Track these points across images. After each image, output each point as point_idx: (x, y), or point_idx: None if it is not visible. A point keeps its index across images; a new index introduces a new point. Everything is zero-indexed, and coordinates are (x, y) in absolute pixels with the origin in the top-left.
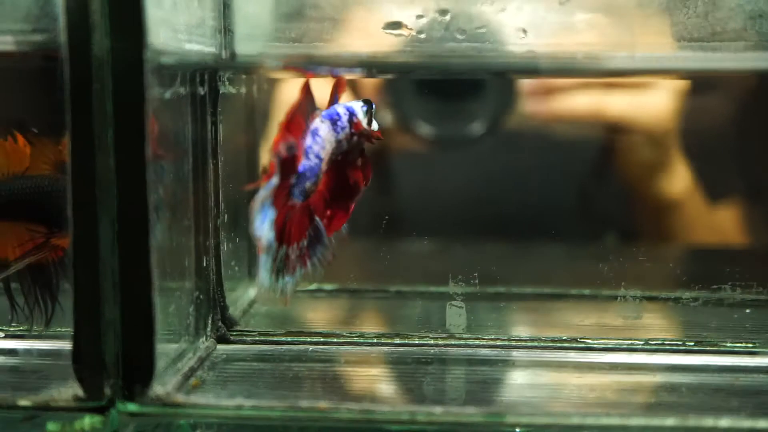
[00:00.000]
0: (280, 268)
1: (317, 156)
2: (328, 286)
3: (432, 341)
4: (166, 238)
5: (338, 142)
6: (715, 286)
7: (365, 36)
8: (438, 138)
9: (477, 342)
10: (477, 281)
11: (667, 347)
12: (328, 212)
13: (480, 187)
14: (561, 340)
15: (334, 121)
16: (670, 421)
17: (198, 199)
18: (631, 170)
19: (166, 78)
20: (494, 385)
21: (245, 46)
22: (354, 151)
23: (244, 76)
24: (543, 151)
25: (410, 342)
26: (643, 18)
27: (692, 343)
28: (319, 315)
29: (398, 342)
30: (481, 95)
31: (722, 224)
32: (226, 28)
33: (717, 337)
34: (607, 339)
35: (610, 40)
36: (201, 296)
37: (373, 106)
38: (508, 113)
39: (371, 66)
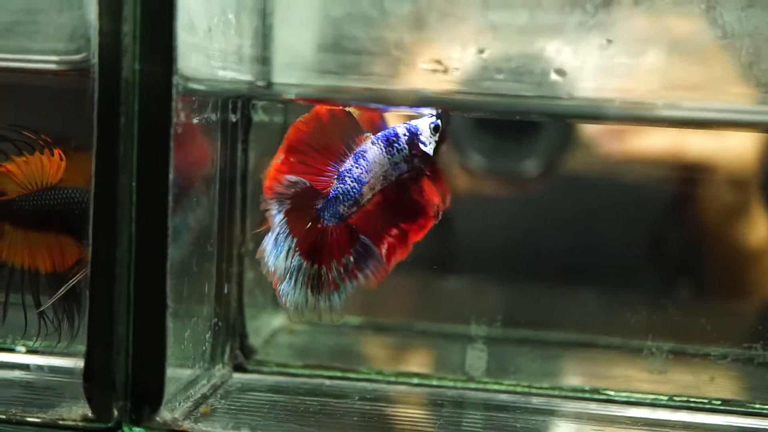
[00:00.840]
0: (315, 286)
1: (356, 179)
2: (354, 321)
3: (451, 383)
4: (185, 263)
5: (394, 164)
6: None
7: (408, 72)
8: (489, 175)
9: (496, 387)
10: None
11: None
12: (394, 232)
13: (527, 230)
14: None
15: (390, 142)
16: None
17: (223, 225)
18: (708, 217)
19: (196, 103)
20: None
21: (282, 76)
22: (418, 173)
23: (279, 105)
24: (605, 193)
25: (428, 383)
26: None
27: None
28: (341, 349)
29: (416, 382)
30: (537, 133)
31: None
32: (263, 57)
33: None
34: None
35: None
36: (220, 323)
37: (446, 120)
38: (567, 152)
39: (408, 102)
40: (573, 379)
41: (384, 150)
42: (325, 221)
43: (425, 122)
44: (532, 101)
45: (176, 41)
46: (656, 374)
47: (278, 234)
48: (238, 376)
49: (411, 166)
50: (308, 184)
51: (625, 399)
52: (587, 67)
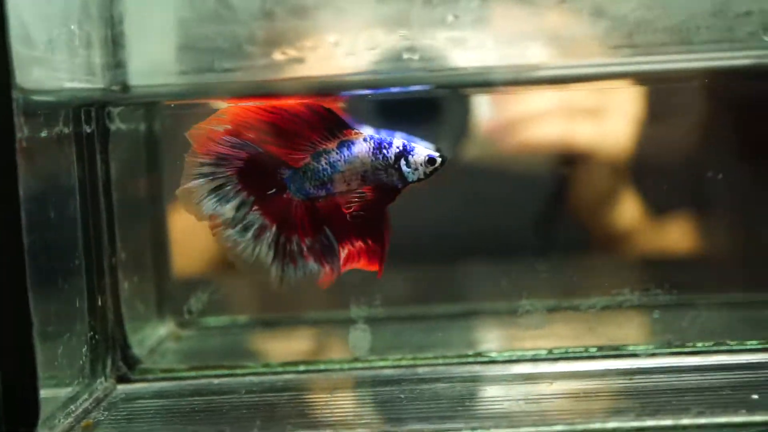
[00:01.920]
0: (275, 251)
1: (331, 164)
2: (242, 319)
3: (337, 366)
4: (49, 279)
5: (375, 169)
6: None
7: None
8: None
9: (381, 363)
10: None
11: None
12: (357, 244)
13: (410, 213)
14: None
15: (380, 146)
16: (558, 427)
17: (89, 237)
18: (581, 202)
19: (42, 117)
20: (397, 404)
21: (139, 80)
22: (391, 192)
23: (141, 113)
24: (492, 180)
25: (315, 368)
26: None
27: (595, 349)
28: (229, 348)
29: (302, 369)
30: (432, 120)
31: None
32: (116, 63)
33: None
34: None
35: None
36: (97, 336)
37: (440, 162)
38: (463, 140)
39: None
40: (457, 347)
41: (371, 150)
42: (292, 194)
43: (425, 149)
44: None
45: (11, 56)
46: (534, 331)
47: (222, 186)
48: (122, 387)
49: (389, 180)
50: (261, 150)
51: (506, 358)
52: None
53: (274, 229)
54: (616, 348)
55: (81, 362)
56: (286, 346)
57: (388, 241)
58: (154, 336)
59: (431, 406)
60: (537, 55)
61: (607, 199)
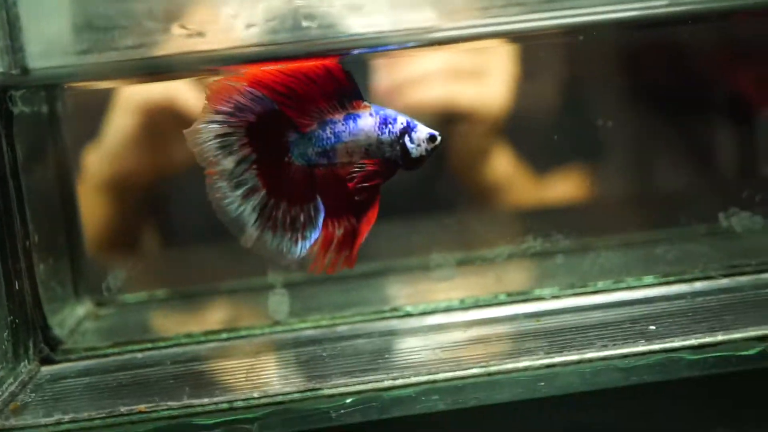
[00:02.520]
0: (259, 215)
1: (336, 133)
2: (160, 294)
3: (258, 331)
4: None
5: (380, 143)
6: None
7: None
8: None
9: (302, 325)
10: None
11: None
12: (342, 223)
13: None
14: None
15: (386, 121)
16: (474, 371)
17: (0, 223)
18: (461, 154)
19: None
20: (320, 362)
21: (39, 62)
22: (392, 167)
23: (43, 95)
24: None
25: (236, 335)
26: None
27: (504, 296)
28: (153, 322)
29: (225, 336)
30: None
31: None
32: (14, 47)
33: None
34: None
35: None
36: (17, 320)
37: (439, 141)
38: None
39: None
40: (373, 304)
41: (377, 125)
42: (293, 158)
43: (426, 127)
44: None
45: None
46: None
47: (229, 134)
48: (46, 369)
49: (391, 155)
50: (275, 108)
51: (421, 311)
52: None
53: (263, 193)
54: (523, 293)
55: (3, 347)
56: (207, 317)
57: (371, 224)
58: (73, 316)
59: (352, 361)
60: (425, 19)
61: (486, 154)
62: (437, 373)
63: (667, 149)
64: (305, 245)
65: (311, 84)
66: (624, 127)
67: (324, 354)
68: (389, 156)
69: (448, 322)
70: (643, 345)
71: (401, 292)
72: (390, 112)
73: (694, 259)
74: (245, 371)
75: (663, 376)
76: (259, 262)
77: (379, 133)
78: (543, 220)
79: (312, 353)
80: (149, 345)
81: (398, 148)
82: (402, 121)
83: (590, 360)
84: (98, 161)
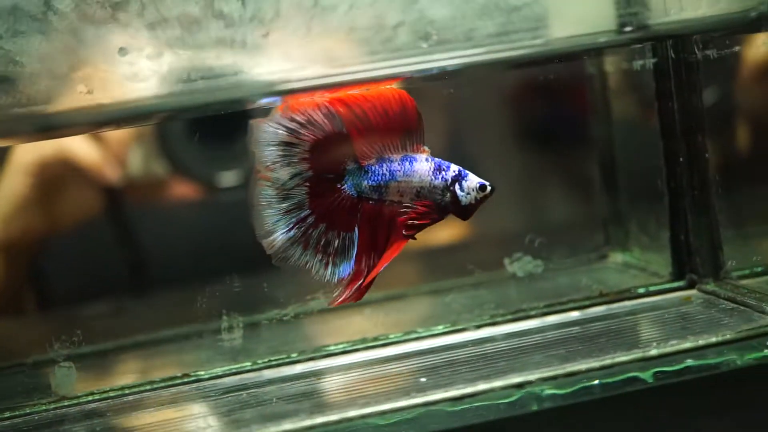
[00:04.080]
0: (301, 235)
1: (391, 172)
2: None
3: (44, 407)
4: None
5: (432, 188)
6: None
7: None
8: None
9: (91, 398)
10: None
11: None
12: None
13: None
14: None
15: (439, 168)
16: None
17: None
18: None
19: None
20: None
21: None
22: (440, 209)
23: None
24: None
25: (20, 413)
26: None
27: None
28: None
29: (8, 415)
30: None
31: None
32: None
33: None
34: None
35: None
36: None
37: (489, 191)
38: None
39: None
40: (159, 372)
41: (431, 170)
42: (345, 186)
43: (476, 177)
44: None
45: None
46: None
47: (293, 145)
48: None
49: (441, 200)
50: (345, 131)
51: (212, 375)
52: None
53: (307, 210)
54: (314, 351)
55: None
56: None
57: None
58: None
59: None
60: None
61: None
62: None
63: None
64: (335, 272)
65: (384, 117)
66: None
67: (99, 429)
68: (439, 201)
69: (238, 385)
70: (405, 400)
71: (191, 358)
72: (443, 160)
73: (482, 306)
74: None
75: (425, 430)
76: (44, 335)
77: (432, 178)
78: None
79: (96, 426)
80: None
81: (448, 194)
82: (454, 169)
83: (350, 419)
84: None
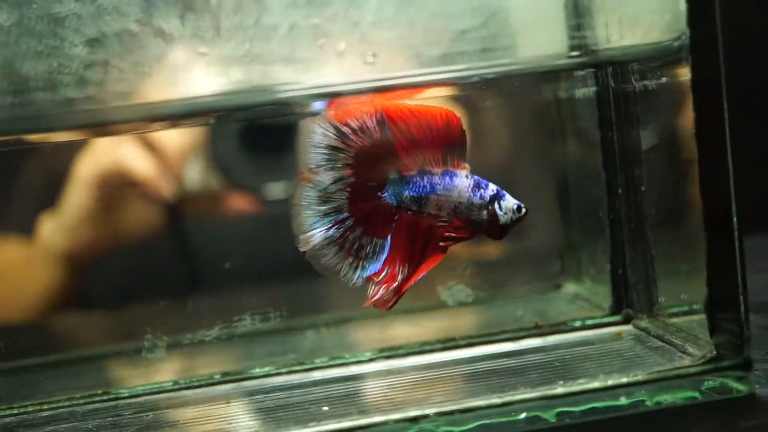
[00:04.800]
0: (338, 236)
1: (431, 185)
2: None
3: None
4: None
5: (470, 205)
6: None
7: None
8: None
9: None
10: None
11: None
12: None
13: None
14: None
15: (478, 185)
16: None
17: None
18: None
19: None
20: None
21: None
22: (479, 227)
23: None
24: None
25: None
26: None
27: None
28: None
29: None
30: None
31: None
32: None
33: None
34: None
35: None
36: None
37: (524, 212)
38: None
39: None
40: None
41: (471, 187)
42: (386, 195)
43: (513, 198)
44: None
45: None
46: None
47: (339, 150)
48: None
49: (477, 218)
50: (392, 140)
51: (134, 393)
52: None
53: (346, 214)
54: (239, 372)
55: None
56: None
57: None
58: None
59: None
60: None
61: None
62: None
63: None
64: (362, 275)
65: (428, 131)
66: None
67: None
68: (475, 218)
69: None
70: (300, 428)
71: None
72: (482, 179)
73: (413, 334)
74: None
75: None
76: None
77: (471, 195)
78: (261, 299)
79: None
80: None
81: (485, 213)
82: (493, 188)
83: None
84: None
